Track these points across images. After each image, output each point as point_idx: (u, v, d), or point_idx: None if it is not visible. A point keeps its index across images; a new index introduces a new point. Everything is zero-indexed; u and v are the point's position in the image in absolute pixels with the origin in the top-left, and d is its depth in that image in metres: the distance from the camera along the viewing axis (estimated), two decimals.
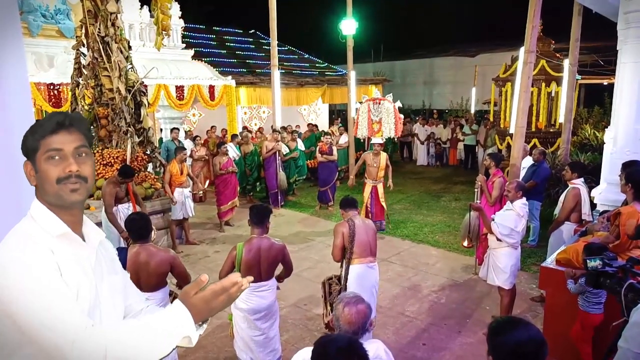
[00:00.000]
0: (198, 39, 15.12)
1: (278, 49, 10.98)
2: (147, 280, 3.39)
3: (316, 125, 13.88)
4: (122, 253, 3.46)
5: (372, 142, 8.13)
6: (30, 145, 1.38)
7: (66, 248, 1.36)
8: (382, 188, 7.89)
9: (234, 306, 3.85)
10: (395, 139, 11.21)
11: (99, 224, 6.07)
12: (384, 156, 7.83)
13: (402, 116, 8.63)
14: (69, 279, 1.30)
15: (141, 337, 1.23)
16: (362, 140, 8.78)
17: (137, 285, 3.40)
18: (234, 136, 10.31)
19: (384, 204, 7.91)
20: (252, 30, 18.09)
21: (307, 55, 17.72)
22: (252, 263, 3.67)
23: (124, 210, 5.89)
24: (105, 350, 1.19)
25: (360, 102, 8.60)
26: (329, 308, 4.30)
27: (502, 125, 10.40)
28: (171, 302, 3.70)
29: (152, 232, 3.80)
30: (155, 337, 1.23)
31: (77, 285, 1.32)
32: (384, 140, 8.34)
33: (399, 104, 8.42)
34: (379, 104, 8.26)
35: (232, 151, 9.32)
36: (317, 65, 17.20)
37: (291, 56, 16.98)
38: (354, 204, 4.38)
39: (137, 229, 3.51)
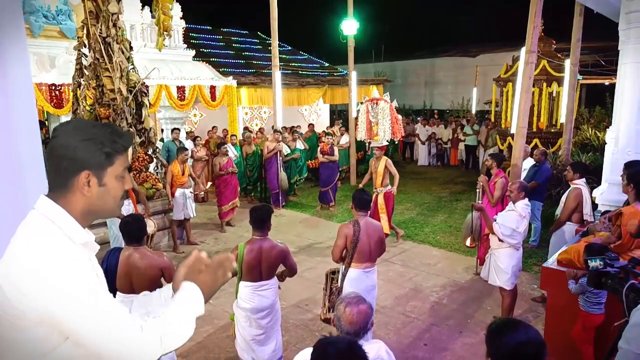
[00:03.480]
0: (199, 39, 15.14)
1: (279, 49, 10.99)
2: (138, 283, 3.38)
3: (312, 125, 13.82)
4: (116, 253, 3.46)
5: (371, 146, 7.72)
6: (101, 159, 1.34)
7: (89, 255, 1.37)
8: (384, 198, 7.23)
9: (236, 305, 3.87)
10: (396, 141, 10.75)
11: (103, 224, 6.11)
12: (383, 161, 7.28)
13: (399, 117, 8.00)
14: (103, 284, 1.34)
15: (180, 323, 1.34)
16: (365, 143, 8.28)
17: (129, 287, 3.44)
18: (231, 136, 10.34)
19: (382, 215, 7.17)
20: (254, 31, 18.11)
21: (308, 56, 17.73)
22: (253, 263, 3.71)
23: (125, 207, 5.95)
24: (161, 341, 1.29)
25: (361, 103, 8.32)
26: (327, 304, 4.31)
27: (503, 126, 10.40)
28: None
29: (152, 229, 3.78)
30: (187, 320, 1.35)
31: (105, 287, 1.36)
32: (382, 143, 7.68)
33: (395, 103, 7.87)
34: (377, 104, 7.72)
35: (231, 151, 9.34)
36: (318, 65, 17.20)
37: (292, 56, 16.99)
38: (366, 205, 4.25)
39: (129, 232, 3.47)
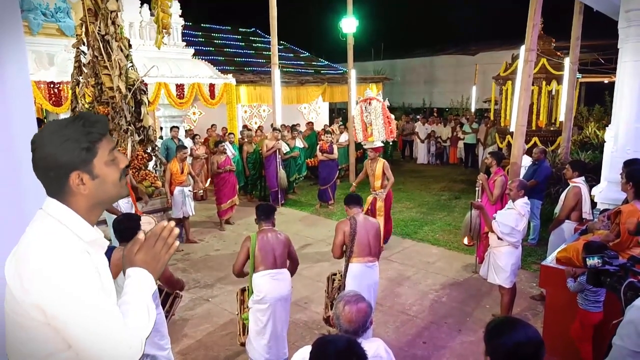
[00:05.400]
0: (198, 37, 15.09)
1: (278, 48, 10.97)
2: None
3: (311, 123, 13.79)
4: (110, 253, 3.44)
5: (365, 147, 7.51)
6: (83, 156, 1.32)
7: (96, 252, 1.38)
8: (384, 201, 7.02)
9: (252, 302, 3.90)
10: (390, 142, 10.51)
11: (103, 222, 6.10)
12: (380, 163, 7.04)
13: (392, 116, 7.73)
14: (105, 284, 1.34)
15: (144, 312, 1.34)
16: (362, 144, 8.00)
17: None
18: (229, 135, 10.36)
19: (380, 218, 6.92)
20: (253, 29, 18.08)
21: (307, 54, 17.69)
22: (266, 249, 3.85)
23: (124, 204, 5.98)
24: (141, 343, 1.30)
25: (357, 103, 7.94)
26: (328, 303, 4.34)
27: (502, 124, 10.38)
28: (161, 299, 3.65)
29: (150, 227, 3.74)
30: (148, 305, 1.36)
31: (111, 289, 1.37)
32: (376, 144, 7.27)
33: (387, 102, 7.56)
34: (370, 104, 7.46)
35: (229, 150, 9.34)
36: (317, 63, 17.17)
37: (291, 54, 16.96)
38: (358, 201, 4.38)
39: (120, 231, 3.46)
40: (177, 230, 1.45)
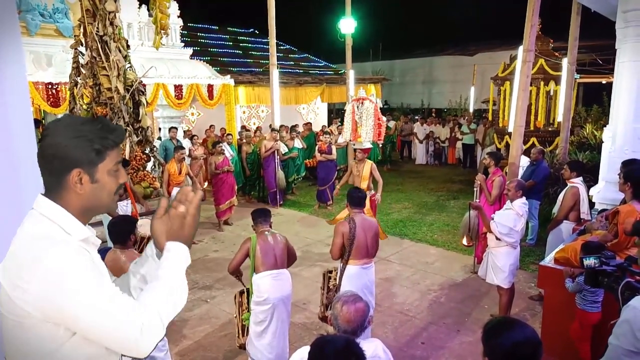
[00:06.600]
0: (196, 37, 15.06)
1: (277, 48, 10.97)
2: None
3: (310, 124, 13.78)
4: (103, 254, 3.43)
5: (354, 147, 7.43)
6: (91, 156, 1.33)
7: (90, 250, 1.38)
8: (370, 203, 6.81)
9: (254, 304, 3.91)
10: (380, 144, 10.31)
11: (99, 223, 6.10)
12: (368, 164, 6.93)
13: (384, 118, 7.62)
14: (103, 280, 1.34)
15: (175, 290, 1.34)
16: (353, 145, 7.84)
17: None
18: (227, 135, 10.36)
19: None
20: (251, 29, 18.07)
21: (305, 54, 17.69)
22: (267, 249, 3.88)
23: (123, 207, 5.97)
24: (161, 320, 1.29)
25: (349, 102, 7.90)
26: (325, 302, 4.35)
27: (500, 124, 10.39)
28: None
29: (138, 231, 3.73)
30: (181, 283, 1.36)
31: (108, 284, 1.36)
32: (365, 145, 7.29)
33: (380, 103, 7.44)
34: (362, 104, 7.38)
35: (227, 150, 9.34)
36: (315, 64, 17.17)
37: (290, 55, 16.95)
38: (360, 201, 4.34)
39: (114, 233, 3.46)
40: (200, 193, 1.44)
